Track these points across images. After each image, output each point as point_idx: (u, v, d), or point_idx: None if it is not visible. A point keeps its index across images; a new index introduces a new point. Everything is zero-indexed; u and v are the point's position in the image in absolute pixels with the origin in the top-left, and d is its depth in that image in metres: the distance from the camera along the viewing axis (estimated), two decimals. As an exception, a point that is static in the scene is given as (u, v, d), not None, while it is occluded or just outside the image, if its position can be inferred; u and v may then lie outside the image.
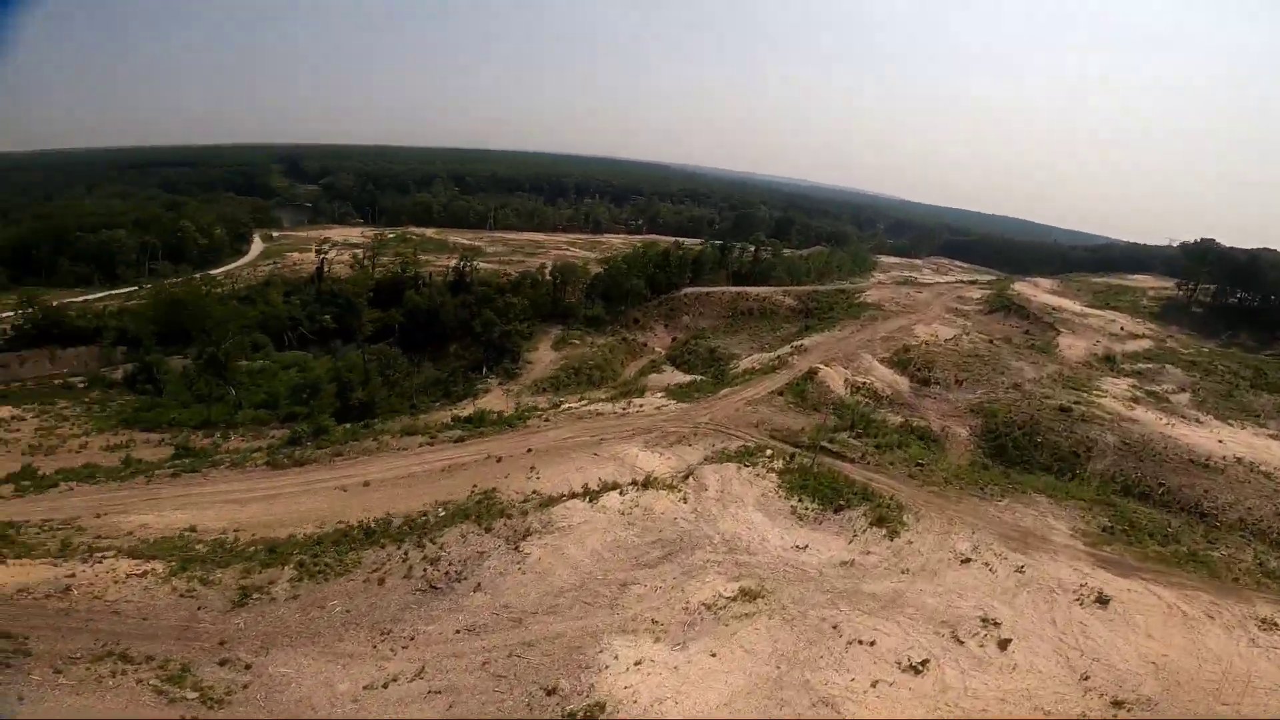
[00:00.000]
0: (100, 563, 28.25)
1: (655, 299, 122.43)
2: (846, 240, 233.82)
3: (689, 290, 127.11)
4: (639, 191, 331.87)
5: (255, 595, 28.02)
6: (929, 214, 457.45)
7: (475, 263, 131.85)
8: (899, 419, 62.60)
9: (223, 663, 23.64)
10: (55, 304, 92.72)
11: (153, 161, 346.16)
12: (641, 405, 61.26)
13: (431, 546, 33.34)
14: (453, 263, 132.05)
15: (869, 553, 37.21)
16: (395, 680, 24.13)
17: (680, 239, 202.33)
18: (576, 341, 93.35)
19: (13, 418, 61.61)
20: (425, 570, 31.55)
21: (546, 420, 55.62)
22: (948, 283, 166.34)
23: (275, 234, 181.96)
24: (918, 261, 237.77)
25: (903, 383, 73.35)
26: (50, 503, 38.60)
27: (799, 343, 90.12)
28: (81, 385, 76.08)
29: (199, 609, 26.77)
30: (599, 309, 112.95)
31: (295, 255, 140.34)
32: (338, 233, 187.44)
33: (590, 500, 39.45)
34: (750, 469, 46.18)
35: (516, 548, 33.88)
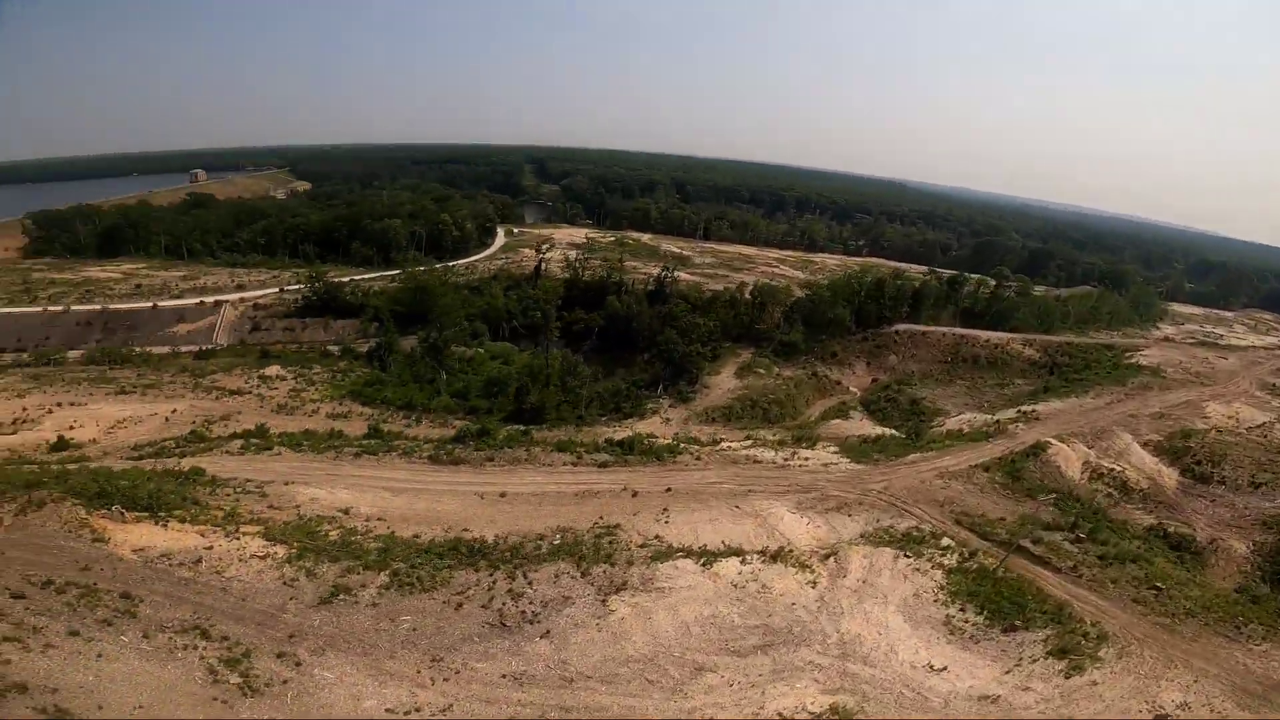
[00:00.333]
0: (238, 539, 31.54)
1: (861, 333, 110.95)
2: (1125, 281, 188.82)
3: (902, 327, 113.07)
4: (865, 210, 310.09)
5: (342, 596, 28.97)
6: (1250, 253, 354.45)
7: (676, 273, 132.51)
8: (1149, 521, 47.90)
9: (280, 655, 24.47)
10: (335, 280, 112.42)
11: (442, 158, 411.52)
12: (808, 458, 54.41)
13: (521, 580, 32.12)
14: (656, 271, 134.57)
15: (1028, 689, 27.94)
16: (419, 710, 23.26)
17: (904, 266, 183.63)
18: (762, 371, 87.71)
19: (277, 376, 75.27)
20: (504, 604, 30.40)
21: (698, 458, 51.92)
22: (1268, 348, 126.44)
23: (516, 230, 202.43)
24: (1227, 315, 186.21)
25: (1169, 475, 56.00)
26: (260, 464, 44.99)
27: (1031, 407, 73.85)
28: (336, 354, 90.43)
29: (291, 599, 28.36)
30: (797, 336, 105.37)
31: (526, 251, 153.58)
32: (566, 232, 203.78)
33: (705, 563, 35.19)
34: (912, 559, 37.92)
35: (604, 601, 31.26)
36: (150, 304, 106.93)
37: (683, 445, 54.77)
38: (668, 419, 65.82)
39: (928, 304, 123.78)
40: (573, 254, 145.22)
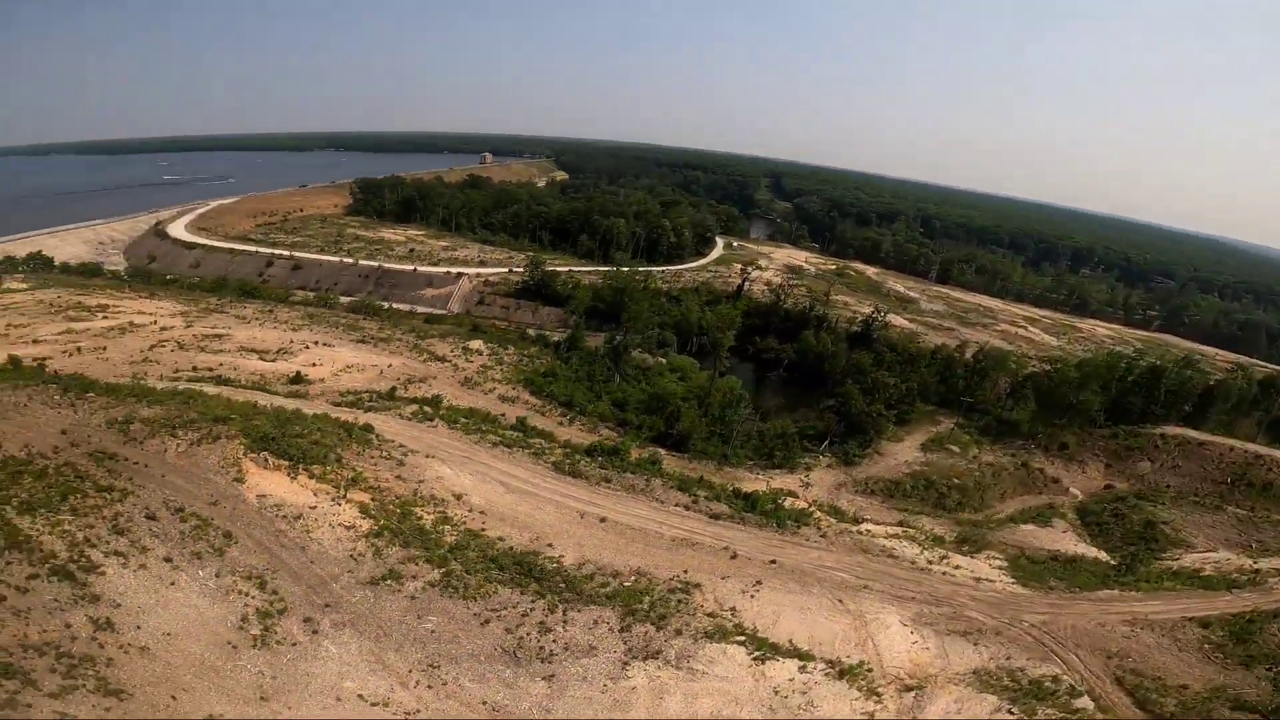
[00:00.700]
0: (340, 504, 34.90)
1: (1111, 428, 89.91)
2: None
3: (1173, 430, 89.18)
4: (1166, 272, 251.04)
5: (390, 582, 30.57)
6: None
7: (889, 316, 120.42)
8: None
9: (306, 620, 26.42)
10: (550, 269, 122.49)
11: (684, 163, 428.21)
12: (960, 566, 44.95)
13: (559, 615, 31.07)
14: (867, 311, 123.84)
15: None
16: (386, 705, 23.48)
17: (1203, 350, 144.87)
18: (956, 448, 75.33)
19: (476, 350, 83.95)
20: (527, 634, 29.85)
21: (823, 535, 45.96)
22: None
23: (736, 244, 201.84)
24: None
25: None
26: (416, 433, 50.21)
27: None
28: (532, 339, 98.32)
29: (348, 572, 30.71)
30: (1022, 416, 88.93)
31: (738, 267, 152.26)
32: (785, 253, 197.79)
33: (759, 657, 31.09)
34: (1016, 716, 28.89)
35: (626, 664, 28.99)
36: (412, 268, 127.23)
37: (815, 515, 48.89)
38: (808, 481, 59.44)
39: (1221, 406, 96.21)
40: (779, 278, 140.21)
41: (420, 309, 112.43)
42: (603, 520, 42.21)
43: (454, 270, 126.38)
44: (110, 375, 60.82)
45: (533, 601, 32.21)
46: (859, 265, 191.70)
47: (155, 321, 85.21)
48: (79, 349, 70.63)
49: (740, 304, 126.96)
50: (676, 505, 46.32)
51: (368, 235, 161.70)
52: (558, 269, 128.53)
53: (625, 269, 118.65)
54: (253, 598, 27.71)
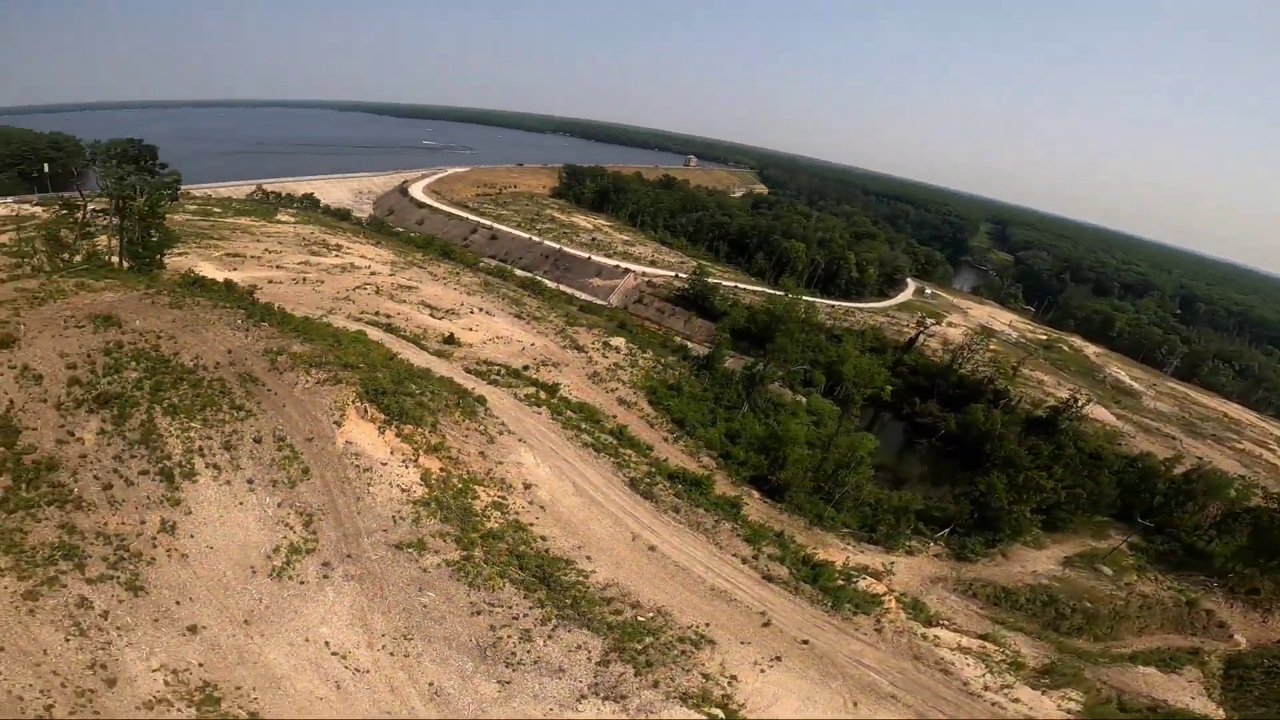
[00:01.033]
0: (408, 466, 38.41)
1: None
2: None
3: None
4: None
5: (412, 550, 33.40)
6: None
7: (1089, 407, 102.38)
8: None
9: (324, 564, 30.44)
10: (712, 282, 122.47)
11: (893, 193, 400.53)
12: (1019, 700, 37.24)
13: (547, 628, 32.08)
14: (1064, 396, 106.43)
15: None
16: (343, 659, 27.40)
17: None
18: (1109, 570, 62.30)
19: (616, 348, 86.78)
20: (507, 637, 30.67)
21: (879, 629, 40.76)
22: None
23: (929, 290, 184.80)
24: None
25: None
26: (521, 416, 54.18)
27: None
28: (674, 349, 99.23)
29: (383, 530, 33.78)
30: (1219, 550, 71.59)
31: (918, 316, 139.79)
32: (986, 312, 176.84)
33: None
34: None
35: (581, 697, 29.36)
36: (588, 255, 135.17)
37: (886, 604, 43.43)
38: (891, 570, 52.41)
39: None
40: (964, 338, 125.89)
41: (582, 296, 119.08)
42: (651, 549, 41.73)
43: (623, 265, 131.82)
44: (313, 306, 73.10)
45: (530, 608, 32.82)
46: (1077, 341, 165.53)
47: (369, 266, 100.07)
48: (305, 279, 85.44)
49: (907, 358, 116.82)
50: (735, 555, 44.16)
51: (561, 218, 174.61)
52: (722, 282, 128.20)
53: (788, 295, 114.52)
54: (294, 533, 31.76)
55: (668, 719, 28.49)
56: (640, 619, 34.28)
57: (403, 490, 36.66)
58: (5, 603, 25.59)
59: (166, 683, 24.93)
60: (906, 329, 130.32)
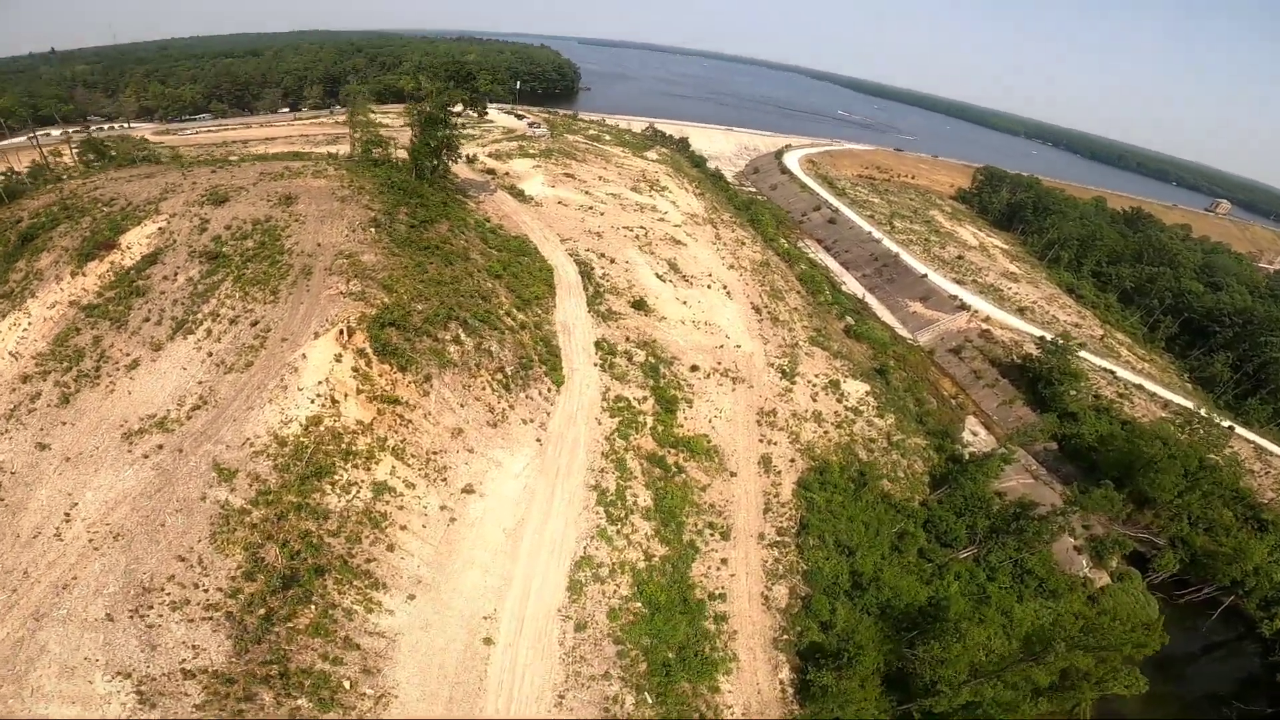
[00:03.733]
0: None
1: None
2: None
3: None
4: None
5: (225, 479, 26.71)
6: None
7: None
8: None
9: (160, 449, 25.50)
10: (1075, 363, 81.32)
11: None
12: None
13: None
14: None
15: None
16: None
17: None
18: None
19: (842, 393, 63.25)
20: None
21: None
22: None
23: None
24: None
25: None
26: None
27: None
28: (937, 432, 68.72)
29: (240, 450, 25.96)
30: None
31: None
32: None
33: None
34: None
35: None
36: (924, 273, 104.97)
37: None
38: None
39: None
40: None
41: (887, 318, 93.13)
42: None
43: (964, 298, 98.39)
44: (563, 230, 72.31)
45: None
46: None
47: (666, 213, 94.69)
48: (592, 207, 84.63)
49: None
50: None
51: (943, 224, 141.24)
52: (1111, 369, 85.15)
53: (1214, 428, 68.62)
54: (179, 410, 30.71)
55: None
56: None
57: (288, 420, 29.96)
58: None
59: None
60: None
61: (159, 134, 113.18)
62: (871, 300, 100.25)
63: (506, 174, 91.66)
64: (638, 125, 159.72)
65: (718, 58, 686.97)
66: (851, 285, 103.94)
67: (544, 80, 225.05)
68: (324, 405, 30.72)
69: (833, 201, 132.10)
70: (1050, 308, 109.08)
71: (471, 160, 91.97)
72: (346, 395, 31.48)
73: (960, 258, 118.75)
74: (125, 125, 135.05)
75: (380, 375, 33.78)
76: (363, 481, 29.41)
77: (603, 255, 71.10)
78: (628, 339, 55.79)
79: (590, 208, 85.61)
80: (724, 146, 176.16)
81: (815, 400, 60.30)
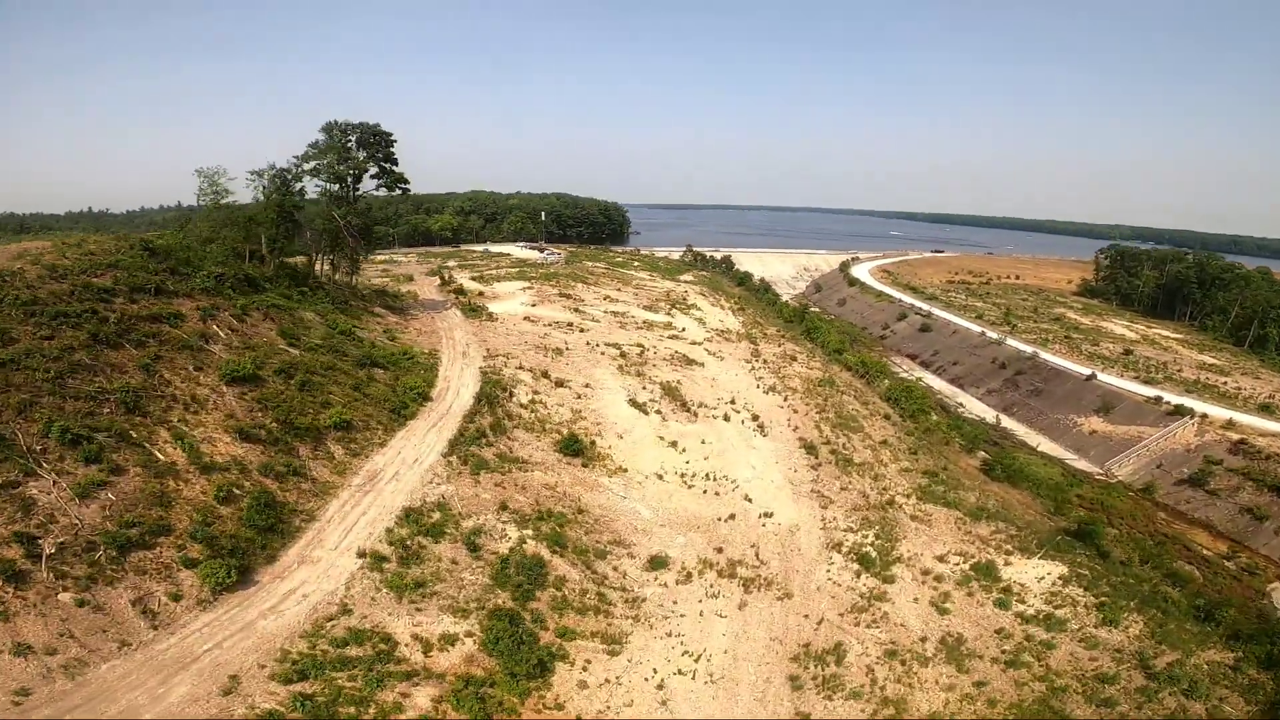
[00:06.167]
0: None
1: None
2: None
3: None
4: None
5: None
6: None
7: None
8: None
9: None
10: None
11: None
12: None
13: None
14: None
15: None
16: None
17: None
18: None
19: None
20: None
21: None
22: None
23: None
24: None
25: None
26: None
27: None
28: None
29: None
30: None
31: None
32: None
33: None
34: None
35: None
36: (1088, 372, 69.68)
37: None
38: None
39: None
40: None
41: (1049, 446, 57.75)
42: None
43: (1173, 401, 61.47)
44: (508, 348, 46.34)
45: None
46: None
47: (685, 330, 68.90)
48: (572, 324, 60.98)
49: None
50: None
51: (1076, 318, 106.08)
52: None
53: None
54: None
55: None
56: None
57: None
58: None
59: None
60: None
61: None
62: (1009, 422, 65.80)
63: (480, 294, 73.61)
64: (676, 254, 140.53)
65: (780, 209, 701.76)
66: (971, 406, 70.20)
67: (589, 224, 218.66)
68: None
69: (923, 306, 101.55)
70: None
71: (447, 282, 77.15)
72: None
73: (1128, 353, 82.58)
74: None
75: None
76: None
77: (544, 375, 44.48)
78: (504, 507, 26.41)
79: (568, 324, 63.06)
80: (780, 269, 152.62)
81: (942, 610, 26.45)
